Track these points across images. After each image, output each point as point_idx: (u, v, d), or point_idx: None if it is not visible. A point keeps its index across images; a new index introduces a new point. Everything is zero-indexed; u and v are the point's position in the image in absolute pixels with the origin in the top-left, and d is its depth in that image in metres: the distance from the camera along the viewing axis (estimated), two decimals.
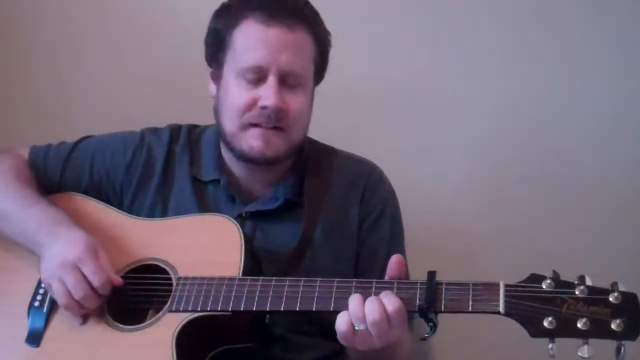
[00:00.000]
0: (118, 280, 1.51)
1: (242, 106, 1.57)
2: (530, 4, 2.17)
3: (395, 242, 1.71)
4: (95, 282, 1.48)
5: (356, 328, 1.34)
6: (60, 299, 1.49)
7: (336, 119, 2.07)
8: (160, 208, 1.67)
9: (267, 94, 1.55)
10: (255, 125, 1.58)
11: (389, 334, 1.34)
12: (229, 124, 1.61)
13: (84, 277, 1.48)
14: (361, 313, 1.33)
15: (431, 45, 2.19)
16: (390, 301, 1.34)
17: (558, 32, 2.16)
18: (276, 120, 1.57)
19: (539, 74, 2.16)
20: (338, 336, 1.37)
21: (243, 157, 1.61)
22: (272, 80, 1.56)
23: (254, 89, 1.57)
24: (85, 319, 1.51)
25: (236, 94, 1.58)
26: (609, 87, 2.15)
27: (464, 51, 2.18)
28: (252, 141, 1.58)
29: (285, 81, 1.58)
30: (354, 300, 1.35)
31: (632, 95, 2.15)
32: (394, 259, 1.41)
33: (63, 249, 1.50)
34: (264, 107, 1.56)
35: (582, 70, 2.16)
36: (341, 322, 1.35)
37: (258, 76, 1.57)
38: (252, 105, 1.57)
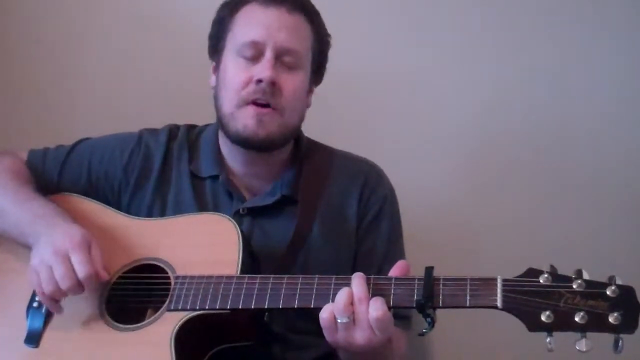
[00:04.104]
0: (104, 275, 1.49)
1: (239, 83, 1.59)
2: (529, 3, 2.18)
3: (394, 240, 1.71)
4: (80, 273, 1.45)
5: (339, 321, 1.33)
6: (46, 286, 1.46)
7: (335, 117, 2.08)
8: (158, 206, 1.67)
9: (262, 68, 1.57)
10: (251, 104, 1.58)
11: (370, 336, 1.33)
12: (227, 105, 1.61)
13: (73, 267, 1.46)
14: (345, 307, 1.32)
15: (429, 44, 2.19)
16: (376, 307, 1.32)
17: (557, 30, 2.17)
18: (271, 96, 1.58)
19: (539, 72, 2.17)
20: (321, 324, 1.35)
21: (238, 139, 1.61)
22: (268, 55, 1.58)
23: (252, 66, 1.59)
24: (85, 319, 1.51)
25: (234, 72, 1.61)
26: (608, 83, 2.16)
27: (463, 50, 2.18)
28: (247, 120, 1.58)
29: (282, 60, 1.60)
30: (342, 292, 1.34)
31: (631, 90, 2.16)
32: (399, 264, 1.41)
33: (58, 238, 1.48)
34: (258, 81, 1.57)
35: (581, 69, 2.17)
36: (324, 310, 1.35)
37: (255, 53, 1.59)
38: (248, 81, 1.59)
